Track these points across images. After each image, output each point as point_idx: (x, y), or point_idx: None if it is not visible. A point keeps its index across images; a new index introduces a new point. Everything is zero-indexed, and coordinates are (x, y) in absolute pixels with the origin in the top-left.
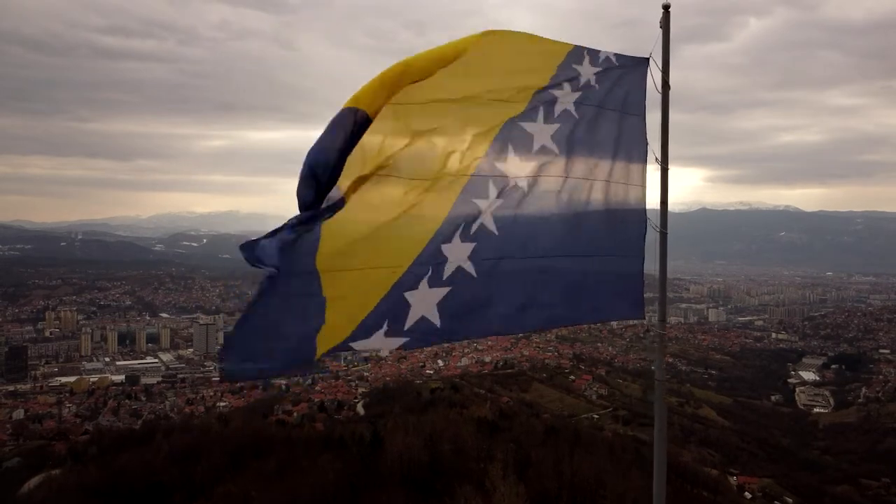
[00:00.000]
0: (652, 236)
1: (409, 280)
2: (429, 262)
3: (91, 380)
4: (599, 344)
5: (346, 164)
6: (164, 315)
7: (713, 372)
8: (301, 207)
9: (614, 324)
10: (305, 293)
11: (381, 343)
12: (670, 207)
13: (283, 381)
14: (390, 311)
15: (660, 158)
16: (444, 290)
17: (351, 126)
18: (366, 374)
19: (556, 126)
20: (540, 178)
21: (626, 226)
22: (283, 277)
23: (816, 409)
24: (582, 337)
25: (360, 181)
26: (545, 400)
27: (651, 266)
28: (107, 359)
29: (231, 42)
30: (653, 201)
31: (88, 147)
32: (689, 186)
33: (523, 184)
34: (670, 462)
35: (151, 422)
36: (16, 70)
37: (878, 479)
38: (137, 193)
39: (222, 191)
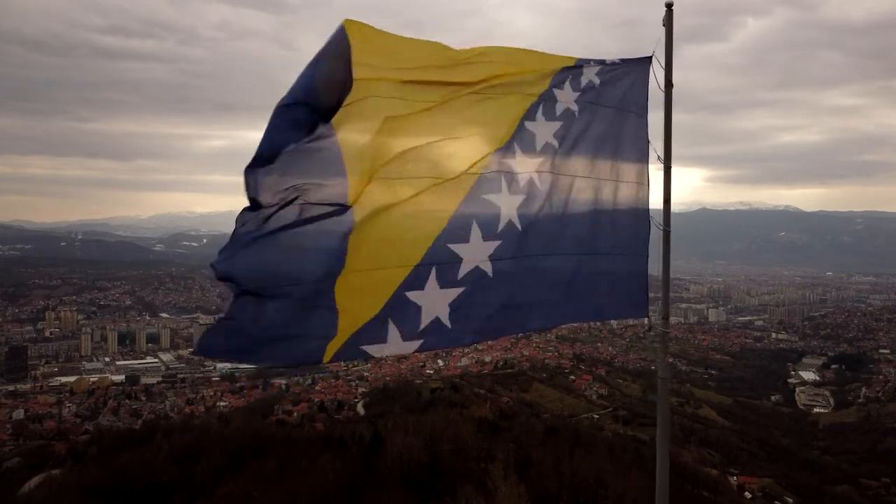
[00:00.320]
0: (653, 235)
1: (415, 280)
2: (435, 262)
3: (91, 380)
4: (599, 344)
5: (349, 166)
6: (164, 315)
7: (713, 372)
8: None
9: (614, 324)
10: (320, 303)
11: (398, 348)
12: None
13: (284, 381)
14: (399, 312)
15: (662, 157)
16: (457, 291)
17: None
18: (366, 373)
19: (558, 124)
20: (544, 176)
21: (629, 224)
22: (298, 284)
23: (816, 409)
24: (582, 337)
25: (366, 183)
26: (545, 400)
27: (652, 265)
28: (107, 359)
29: (231, 42)
30: (654, 200)
31: (88, 147)
32: (689, 186)
33: (529, 182)
34: (670, 462)
35: (151, 422)
36: (16, 70)
37: (878, 479)
38: (137, 193)
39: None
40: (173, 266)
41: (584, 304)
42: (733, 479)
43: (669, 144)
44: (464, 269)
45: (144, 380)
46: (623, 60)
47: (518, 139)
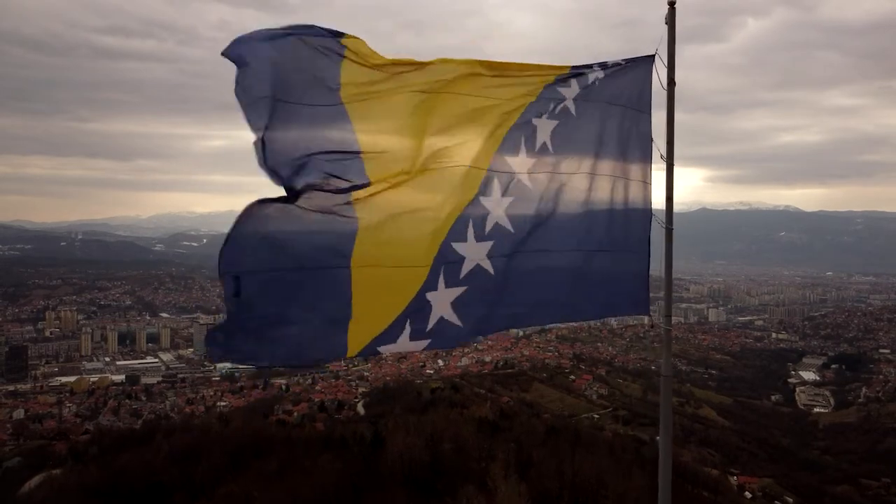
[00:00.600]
0: (654, 234)
1: (432, 280)
2: (443, 262)
3: (91, 380)
4: (599, 344)
5: (369, 168)
6: (164, 315)
7: (713, 372)
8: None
9: (614, 324)
10: (334, 288)
11: (406, 346)
12: None
13: (284, 381)
14: (415, 312)
15: (665, 156)
16: (459, 290)
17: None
18: (366, 373)
19: (555, 122)
20: (545, 174)
21: (631, 222)
22: (310, 271)
23: (816, 409)
24: (582, 337)
25: (383, 181)
26: (545, 400)
27: (654, 265)
28: (107, 359)
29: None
30: (655, 199)
31: (88, 147)
32: (690, 186)
33: (529, 181)
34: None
35: (152, 422)
36: (16, 70)
37: (878, 479)
38: (137, 193)
39: (222, 191)
40: (173, 266)
41: (586, 302)
42: (733, 479)
43: (672, 143)
44: (465, 268)
45: (144, 380)
46: (626, 60)
47: (516, 139)
